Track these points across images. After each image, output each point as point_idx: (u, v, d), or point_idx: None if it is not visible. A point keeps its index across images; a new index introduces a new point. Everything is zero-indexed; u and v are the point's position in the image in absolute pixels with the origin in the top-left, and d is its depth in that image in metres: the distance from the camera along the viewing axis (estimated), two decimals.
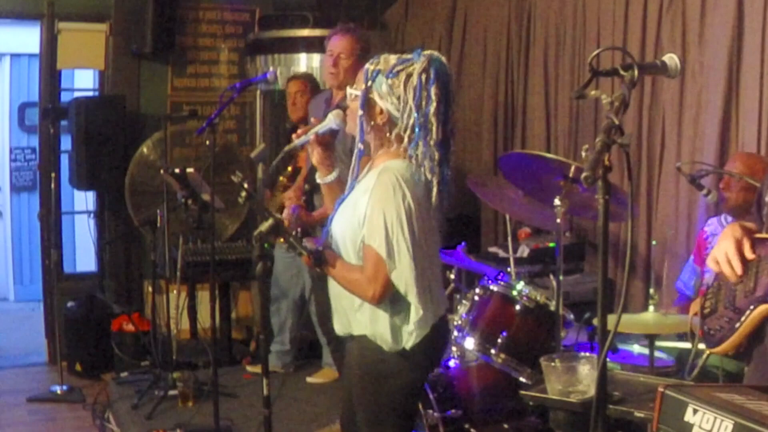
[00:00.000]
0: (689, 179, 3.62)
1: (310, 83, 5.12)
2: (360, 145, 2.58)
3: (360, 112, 2.54)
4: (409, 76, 2.48)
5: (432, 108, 2.47)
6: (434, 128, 2.48)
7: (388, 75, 2.51)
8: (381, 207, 2.47)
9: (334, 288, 2.68)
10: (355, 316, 2.61)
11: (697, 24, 4.10)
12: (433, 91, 2.48)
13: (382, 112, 2.53)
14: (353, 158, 2.64)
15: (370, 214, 2.48)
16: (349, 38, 4.02)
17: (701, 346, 2.67)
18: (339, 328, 2.71)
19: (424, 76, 2.48)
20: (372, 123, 2.56)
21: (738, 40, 3.88)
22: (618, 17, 4.58)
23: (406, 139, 2.50)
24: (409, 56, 2.53)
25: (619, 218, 3.84)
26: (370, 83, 2.54)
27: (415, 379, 2.64)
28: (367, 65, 2.58)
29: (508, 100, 5.61)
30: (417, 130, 2.47)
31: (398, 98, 2.49)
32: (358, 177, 2.64)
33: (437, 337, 2.61)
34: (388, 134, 2.55)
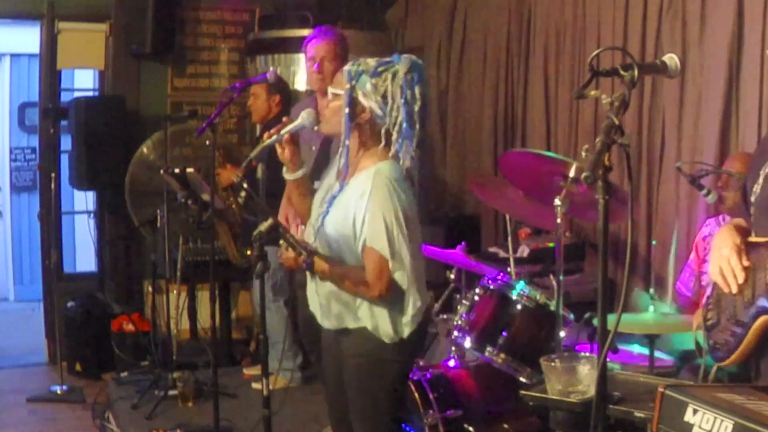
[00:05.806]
0: (689, 179, 3.61)
1: (268, 86, 5.01)
2: (347, 142, 2.66)
3: (346, 110, 2.62)
4: (394, 75, 2.58)
5: (416, 107, 2.58)
6: (417, 126, 2.59)
7: (372, 75, 2.59)
8: (381, 211, 2.57)
9: (326, 285, 2.71)
10: (355, 309, 2.68)
11: (697, 24, 4.09)
12: (417, 91, 2.58)
13: (364, 110, 2.62)
14: (338, 156, 2.71)
15: (370, 218, 2.57)
16: (330, 41, 4.02)
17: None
18: (328, 323, 2.77)
19: (410, 76, 2.58)
20: (354, 122, 2.63)
21: (738, 40, 3.87)
22: (618, 17, 4.57)
23: (394, 135, 2.59)
24: (388, 59, 2.63)
25: (619, 219, 3.83)
26: (354, 83, 2.61)
27: (408, 363, 2.83)
28: (347, 66, 2.66)
29: (508, 100, 5.61)
30: (405, 126, 2.57)
31: (383, 96, 2.58)
32: (347, 176, 2.69)
33: (424, 324, 2.78)
34: (369, 133, 2.64)
